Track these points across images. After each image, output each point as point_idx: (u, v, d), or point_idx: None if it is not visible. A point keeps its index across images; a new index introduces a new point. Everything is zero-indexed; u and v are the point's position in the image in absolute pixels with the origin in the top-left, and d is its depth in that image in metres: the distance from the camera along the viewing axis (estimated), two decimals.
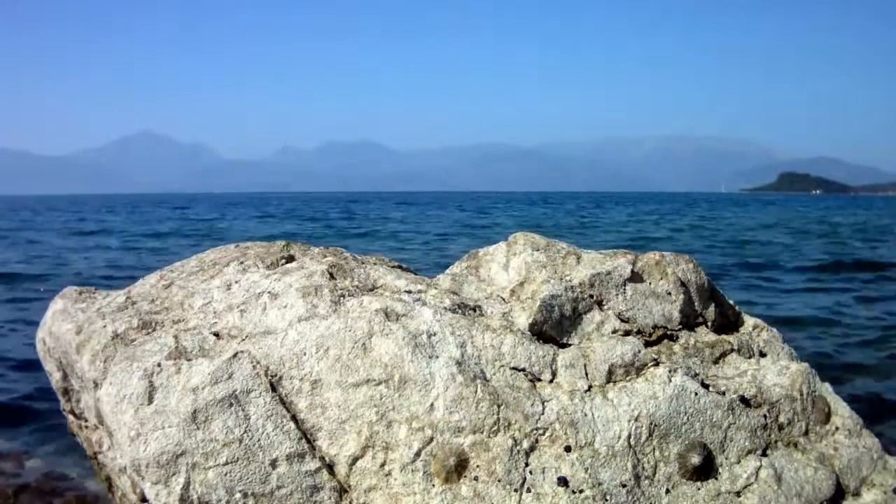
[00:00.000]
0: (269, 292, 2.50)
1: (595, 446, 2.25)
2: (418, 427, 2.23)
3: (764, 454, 2.38)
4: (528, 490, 2.17)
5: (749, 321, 2.87)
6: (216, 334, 2.43)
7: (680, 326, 2.65)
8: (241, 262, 2.75)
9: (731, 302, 2.91)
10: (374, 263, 2.86)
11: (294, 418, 2.25)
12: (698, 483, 2.29)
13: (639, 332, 2.57)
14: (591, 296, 2.59)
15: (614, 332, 2.54)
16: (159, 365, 2.30)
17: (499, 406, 2.26)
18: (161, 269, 2.90)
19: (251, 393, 2.24)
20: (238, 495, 2.17)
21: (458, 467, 2.19)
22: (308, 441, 2.23)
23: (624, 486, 2.22)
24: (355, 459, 2.22)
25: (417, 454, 2.21)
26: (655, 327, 2.60)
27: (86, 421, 2.69)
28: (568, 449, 2.23)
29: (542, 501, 2.16)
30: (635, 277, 2.66)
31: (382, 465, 2.21)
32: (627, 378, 2.41)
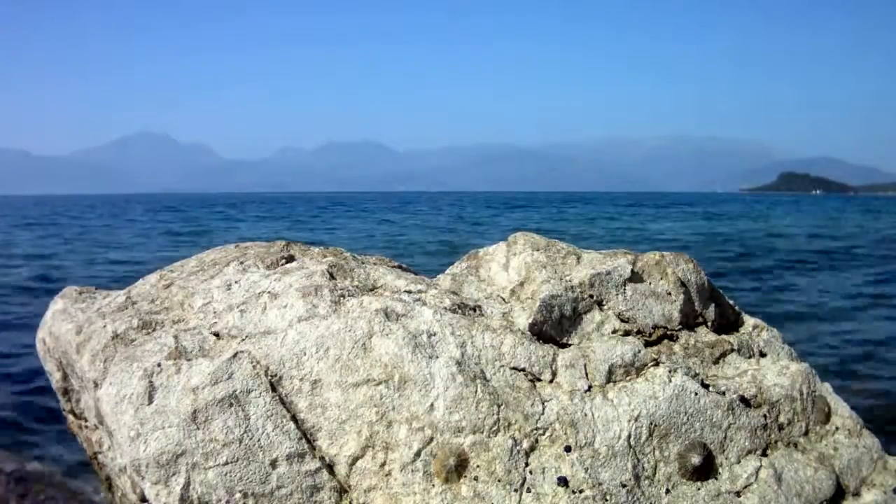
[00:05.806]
0: (269, 292, 2.50)
1: (595, 446, 2.25)
2: (418, 427, 2.23)
3: (764, 454, 2.38)
4: (528, 490, 2.17)
5: (749, 321, 2.87)
6: (216, 334, 2.43)
7: (680, 326, 2.65)
8: (241, 262, 2.75)
9: (731, 302, 2.91)
10: (374, 263, 2.86)
11: (294, 418, 2.25)
12: (698, 483, 2.28)
13: (639, 332, 2.57)
14: (591, 296, 2.59)
15: (614, 332, 2.54)
16: (159, 365, 2.30)
17: (499, 406, 2.26)
18: (161, 268, 2.90)
19: (251, 393, 2.24)
20: (238, 495, 2.17)
21: (458, 467, 2.19)
22: (308, 441, 2.23)
23: (624, 486, 2.22)
24: (355, 459, 2.22)
25: (417, 454, 2.21)
26: (655, 327, 2.60)
27: (86, 421, 2.69)
28: (568, 449, 2.23)
29: (542, 501, 2.16)
30: (635, 277, 2.66)
31: (382, 465, 2.21)
32: (627, 378, 2.40)
